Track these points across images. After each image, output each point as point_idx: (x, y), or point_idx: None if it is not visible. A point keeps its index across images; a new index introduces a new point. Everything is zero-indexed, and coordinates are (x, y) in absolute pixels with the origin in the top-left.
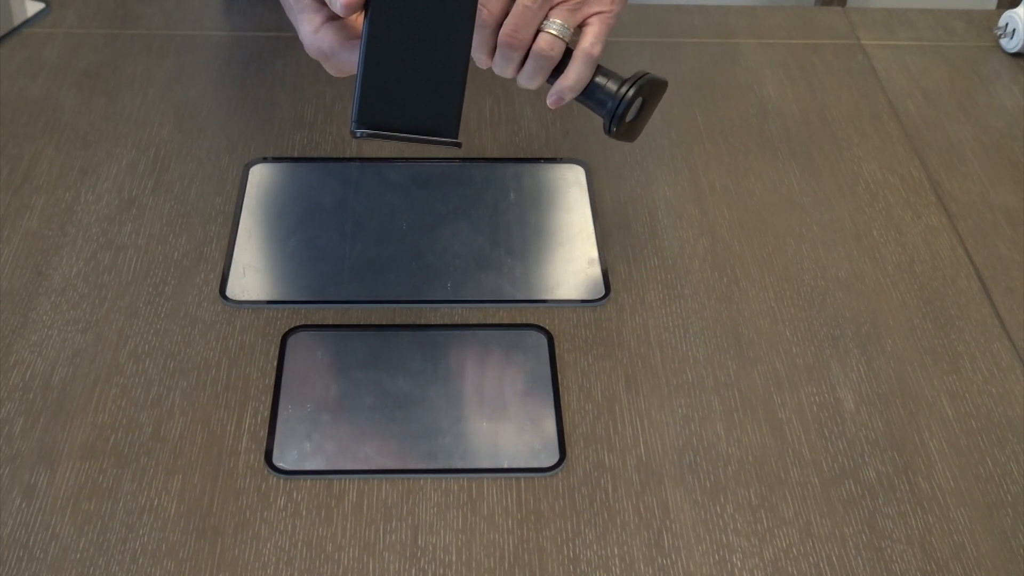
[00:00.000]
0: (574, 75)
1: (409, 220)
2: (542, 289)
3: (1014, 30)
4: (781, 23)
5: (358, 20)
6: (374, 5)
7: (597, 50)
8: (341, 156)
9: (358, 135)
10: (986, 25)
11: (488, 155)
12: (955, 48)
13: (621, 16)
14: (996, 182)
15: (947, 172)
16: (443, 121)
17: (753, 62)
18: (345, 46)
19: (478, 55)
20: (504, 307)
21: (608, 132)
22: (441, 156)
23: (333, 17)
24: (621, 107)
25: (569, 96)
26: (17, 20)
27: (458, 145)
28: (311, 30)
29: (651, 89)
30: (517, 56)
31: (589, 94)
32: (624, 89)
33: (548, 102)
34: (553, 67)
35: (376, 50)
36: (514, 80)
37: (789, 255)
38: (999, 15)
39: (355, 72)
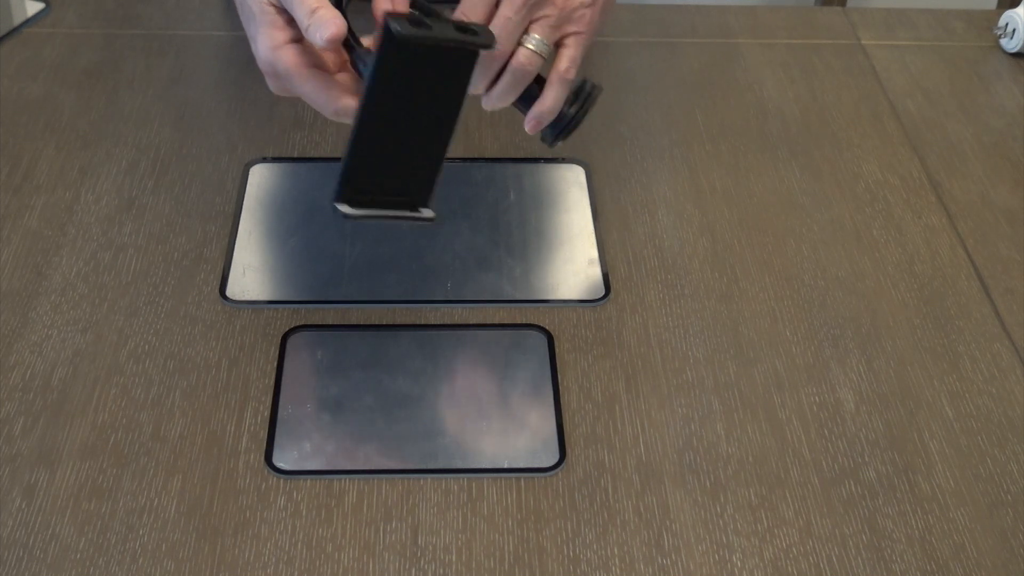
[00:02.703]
0: (552, 99)
1: None
2: (542, 289)
3: (1014, 30)
4: (781, 23)
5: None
6: (375, 89)
7: (572, 74)
8: (341, 156)
9: (340, 213)
10: (986, 25)
11: (488, 155)
12: (955, 48)
13: (594, 39)
14: (996, 182)
15: (947, 172)
16: (417, 194)
17: (753, 62)
18: (303, 73)
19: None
20: (504, 307)
21: (551, 144)
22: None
23: (297, 39)
24: (573, 124)
25: (547, 120)
26: (17, 20)
27: (432, 220)
28: (270, 46)
29: (593, 101)
30: (495, 67)
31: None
32: (572, 109)
33: (527, 128)
34: (529, 82)
35: (368, 132)
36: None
37: (789, 255)
38: (999, 15)
39: (298, 95)
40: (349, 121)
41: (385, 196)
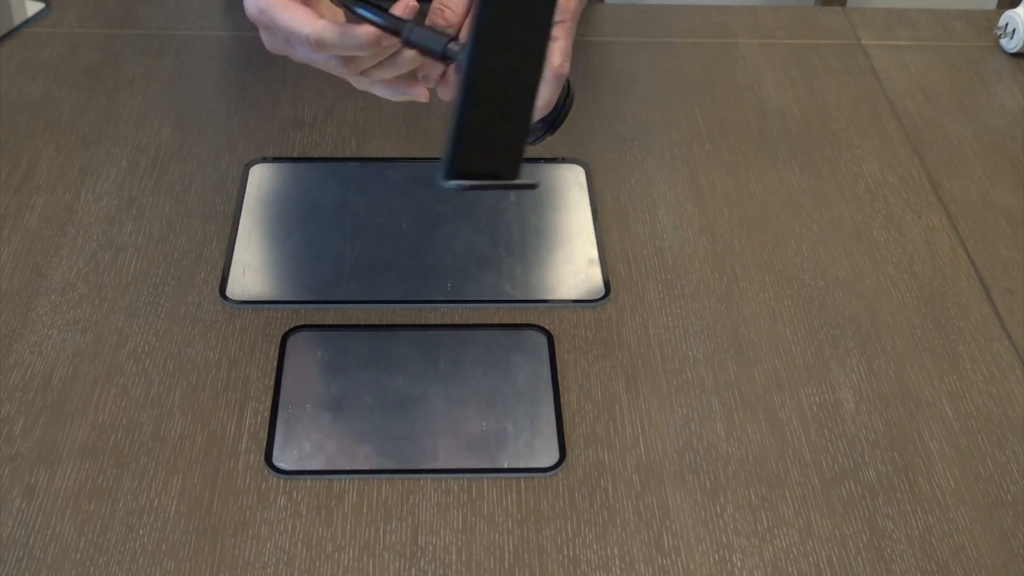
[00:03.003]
0: (547, 95)
1: (409, 220)
2: (542, 289)
3: (1014, 30)
4: (781, 23)
5: None
6: (481, 40)
7: (567, 68)
8: (341, 156)
9: (453, 187)
10: (986, 25)
11: None
12: (955, 48)
13: (575, 30)
14: (996, 182)
15: (947, 172)
16: (507, 162)
17: (753, 62)
18: (280, 2)
19: (438, 68)
20: (504, 307)
21: (536, 142)
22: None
23: None
24: (561, 118)
25: (539, 116)
26: (17, 20)
27: (535, 187)
28: None
29: (573, 94)
30: None
31: None
32: (560, 99)
33: None
34: None
35: (472, 99)
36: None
37: (789, 255)
38: (999, 15)
39: (282, 37)
40: (329, 51)
41: (484, 168)
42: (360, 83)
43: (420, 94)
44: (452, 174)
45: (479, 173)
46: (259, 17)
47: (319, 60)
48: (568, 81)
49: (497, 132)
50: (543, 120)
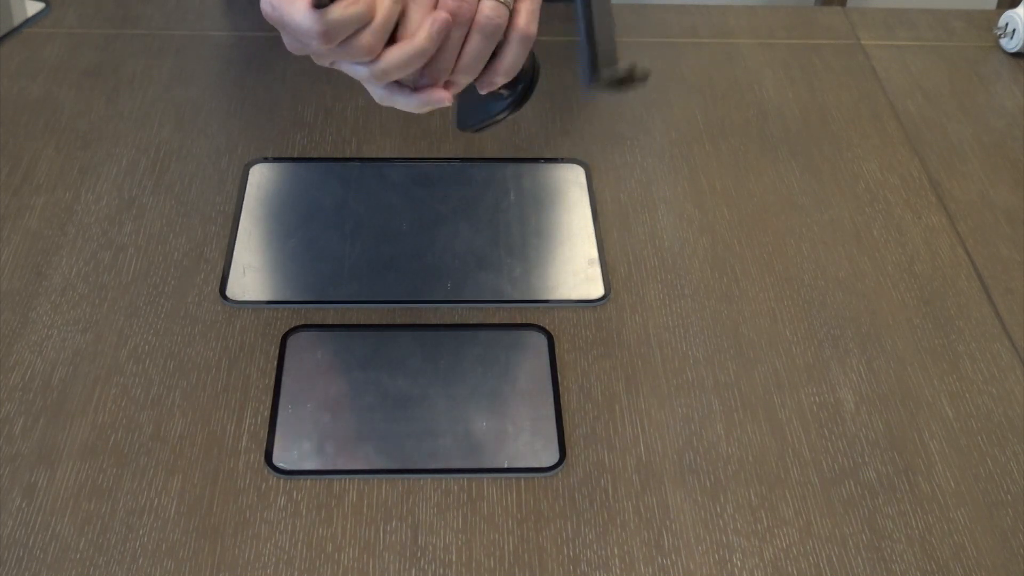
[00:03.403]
0: (513, 58)
1: (409, 220)
2: (542, 289)
3: (1014, 30)
4: (781, 23)
5: None
6: None
7: (534, 29)
8: (341, 156)
9: (604, 79)
10: (986, 25)
11: (488, 155)
12: (955, 48)
13: None
14: (996, 182)
15: (947, 172)
16: (611, 57)
17: (753, 62)
18: None
19: (417, 39)
20: (504, 307)
21: (503, 117)
22: (441, 156)
23: None
24: (531, 87)
25: (500, 81)
26: (17, 20)
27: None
28: None
29: (538, 75)
30: (462, 31)
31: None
32: (527, 66)
33: (480, 89)
34: (499, 39)
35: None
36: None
37: (789, 255)
38: (999, 15)
39: (288, 28)
40: (338, 36)
41: (614, 67)
42: (381, 96)
43: (444, 98)
44: (599, 78)
45: (612, 72)
46: (271, 15)
47: (332, 54)
48: (533, 53)
49: (607, 26)
50: (511, 95)
